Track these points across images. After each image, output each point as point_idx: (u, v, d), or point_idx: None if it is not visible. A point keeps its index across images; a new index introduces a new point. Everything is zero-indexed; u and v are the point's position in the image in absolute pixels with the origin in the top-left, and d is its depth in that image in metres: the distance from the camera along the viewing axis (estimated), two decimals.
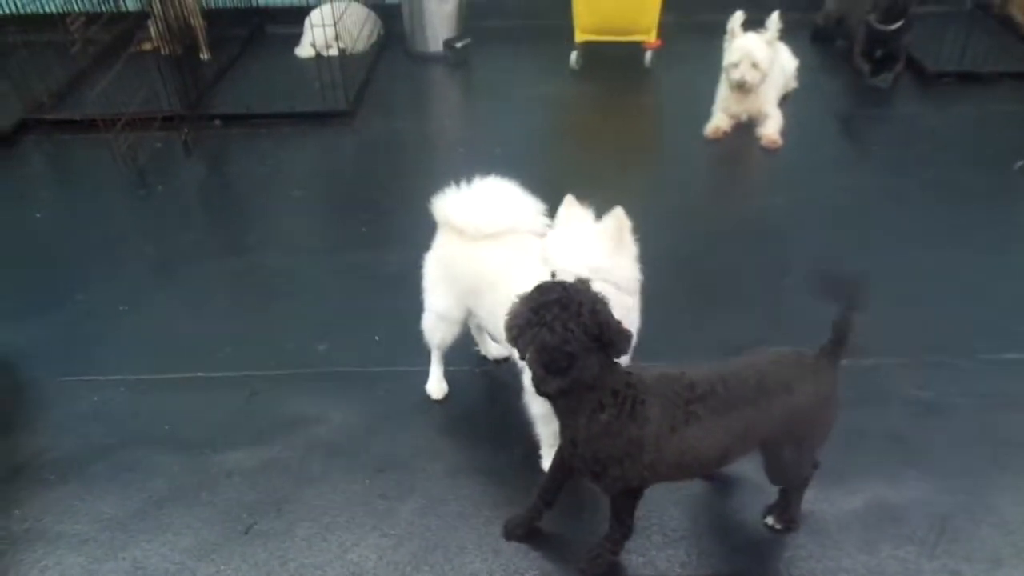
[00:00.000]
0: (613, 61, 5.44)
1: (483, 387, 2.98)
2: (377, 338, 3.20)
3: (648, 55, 5.32)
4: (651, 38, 5.25)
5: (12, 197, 4.50)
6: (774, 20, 4.21)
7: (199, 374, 3.06)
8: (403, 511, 2.47)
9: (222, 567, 2.33)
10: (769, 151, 4.35)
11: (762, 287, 3.38)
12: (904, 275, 3.37)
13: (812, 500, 2.36)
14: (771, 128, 4.37)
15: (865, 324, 3.00)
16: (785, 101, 4.68)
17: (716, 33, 4.46)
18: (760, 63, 4.18)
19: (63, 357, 3.21)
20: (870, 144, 4.53)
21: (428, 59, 5.67)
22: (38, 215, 4.29)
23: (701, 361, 2.03)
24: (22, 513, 2.52)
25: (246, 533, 2.42)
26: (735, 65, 4.22)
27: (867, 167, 4.28)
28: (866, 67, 4.92)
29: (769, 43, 4.23)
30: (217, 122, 4.96)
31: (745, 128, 4.50)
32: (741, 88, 4.26)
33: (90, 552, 2.39)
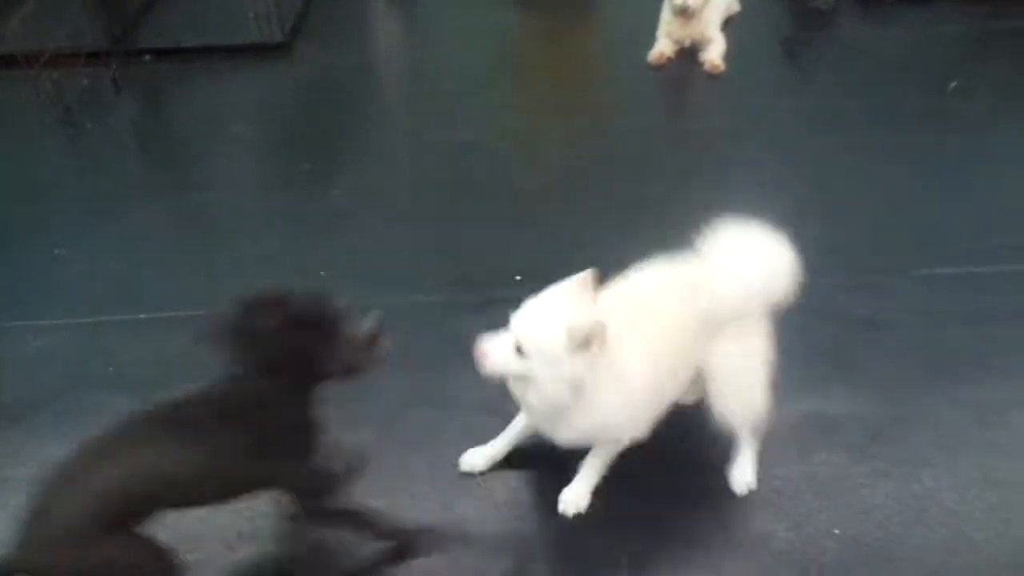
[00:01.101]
0: None
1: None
2: (323, 274, 3.18)
3: None
4: None
5: None
6: None
7: (142, 316, 3.02)
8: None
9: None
10: (712, 76, 4.35)
11: (702, 209, 3.41)
12: (840, 197, 3.45)
13: None
14: (714, 53, 4.36)
15: (803, 244, 3.14)
16: (728, 25, 4.66)
17: None
18: None
19: (3, 304, 3.16)
20: (812, 67, 4.57)
21: None
22: None
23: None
24: None
25: None
26: None
27: (808, 90, 4.33)
28: None
29: None
30: (147, 57, 4.76)
31: (689, 54, 4.49)
32: (684, 13, 4.23)
33: None
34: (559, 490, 2.29)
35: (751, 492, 2.29)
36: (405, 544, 2.19)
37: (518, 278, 3.05)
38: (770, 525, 2.23)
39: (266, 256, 3.28)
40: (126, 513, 1.78)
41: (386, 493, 2.30)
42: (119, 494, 1.75)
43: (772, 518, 2.24)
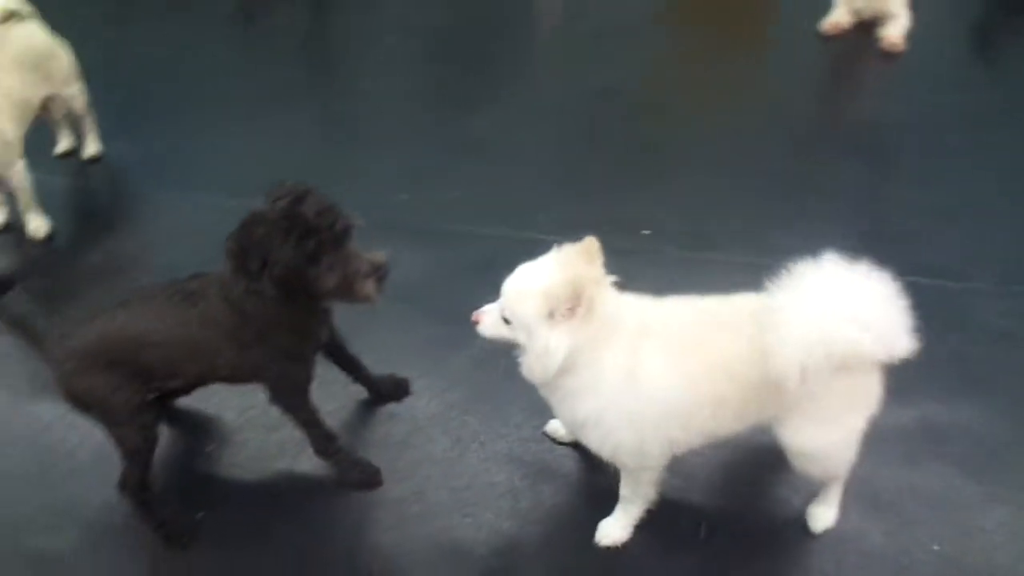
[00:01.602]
0: None
1: None
2: (456, 195, 3.24)
3: None
4: None
5: (120, 16, 4.63)
6: None
7: None
8: (455, 360, 2.57)
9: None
10: (888, 55, 4.06)
11: (851, 199, 3.26)
12: (1006, 201, 3.19)
13: None
14: (895, 30, 4.06)
15: (957, 246, 2.95)
16: (917, 2, 4.31)
17: None
18: None
19: (159, 172, 3.46)
20: (1003, 59, 4.18)
21: None
22: (141, 34, 4.43)
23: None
24: None
25: None
26: None
27: (993, 84, 3.97)
28: None
29: None
30: None
31: (867, 27, 4.19)
32: None
33: None
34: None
35: (849, 487, 2.20)
36: (340, 472, 2.24)
37: (646, 232, 3.02)
38: (864, 524, 2.14)
39: (404, 171, 3.38)
40: (123, 358, 1.95)
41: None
42: (117, 336, 1.95)
43: (868, 517, 2.14)
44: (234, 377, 2.13)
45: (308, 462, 2.28)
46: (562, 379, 1.77)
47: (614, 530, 2.10)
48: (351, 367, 2.38)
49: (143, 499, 2.10)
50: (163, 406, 2.27)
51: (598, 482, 2.19)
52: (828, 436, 1.88)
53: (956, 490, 2.21)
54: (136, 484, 2.07)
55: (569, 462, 2.30)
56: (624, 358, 1.75)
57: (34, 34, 3.08)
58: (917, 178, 3.33)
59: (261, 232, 1.77)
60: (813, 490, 2.12)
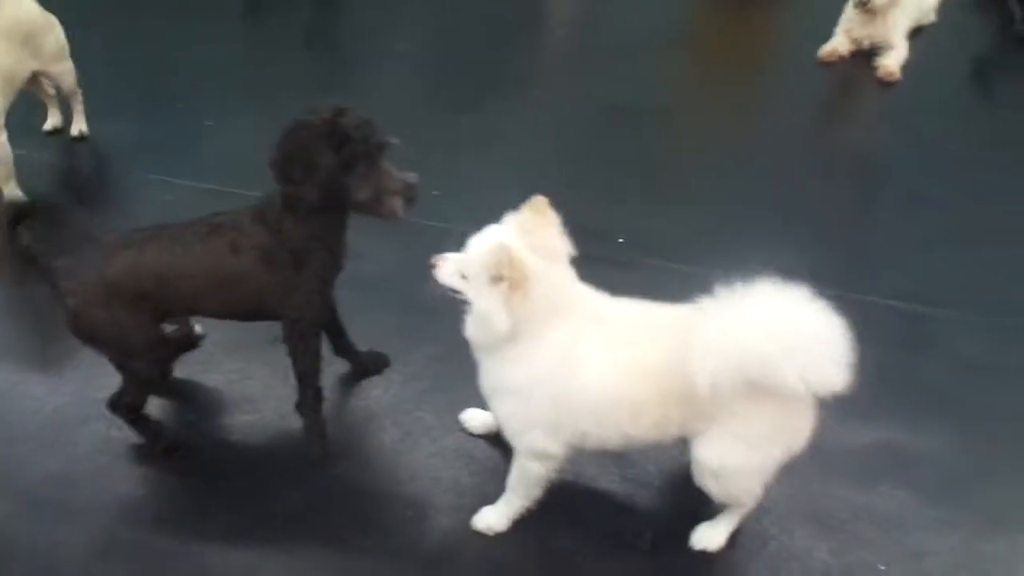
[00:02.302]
0: None
1: None
2: (436, 193, 3.23)
3: None
4: None
5: (130, 3, 4.69)
6: None
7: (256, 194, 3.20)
8: (417, 353, 2.55)
9: (244, 365, 2.52)
10: (884, 83, 4.06)
11: (841, 221, 3.25)
12: (998, 235, 3.16)
13: (821, 426, 2.32)
14: (892, 59, 4.06)
15: (936, 273, 2.92)
16: (918, 35, 4.33)
17: None
18: None
19: (151, 157, 3.45)
20: (999, 95, 4.16)
21: None
22: (149, 22, 4.49)
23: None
24: None
25: (271, 343, 2.56)
26: None
27: (988, 118, 3.95)
28: (1019, 12, 4.47)
29: None
30: None
31: (865, 56, 4.20)
32: (865, 7, 3.95)
33: None
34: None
35: (798, 504, 2.16)
36: (306, 433, 2.25)
37: (620, 240, 3.00)
38: (811, 542, 2.09)
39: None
40: (148, 290, 1.97)
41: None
42: (144, 269, 1.97)
43: (816, 535, 2.10)
44: (257, 310, 2.12)
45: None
46: (503, 346, 1.77)
47: (491, 518, 2.07)
48: (337, 334, 2.40)
49: (135, 417, 2.16)
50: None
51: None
52: (739, 459, 1.81)
53: (911, 513, 2.16)
54: (132, 406, 2.13)
55: None
56: (565, 340, 1.75)
57: (27, 8, 3.09)
58: (901, 205, 3.31)
59: (304, 138, 1.87)
60: (765, 506, 2.07)
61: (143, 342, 2.04)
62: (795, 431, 1.79)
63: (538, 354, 1.76)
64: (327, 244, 2.05)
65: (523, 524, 2.09)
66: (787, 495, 2.16)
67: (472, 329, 1.81)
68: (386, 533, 2.10)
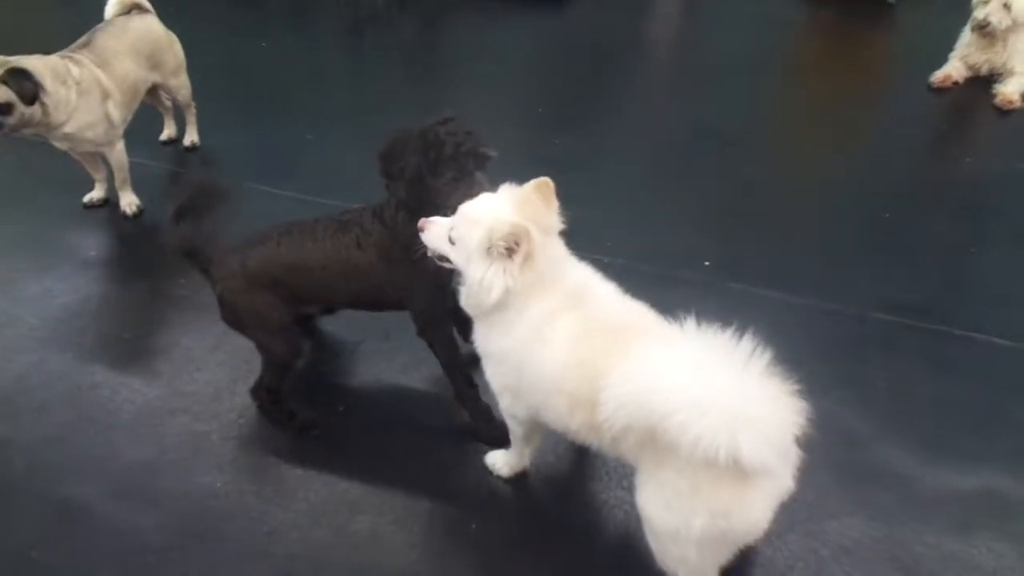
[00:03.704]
0: None
1: None
2: None
3: None
4: None
5: (246, 27, 4.95)
6: None
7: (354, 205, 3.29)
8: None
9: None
10: (1002, 112, 3.83)
11: (950, 253, 3.07)
12: None
13: (914, 467, 2.18)
14: (1012, 86, 3.83)
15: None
16: None
17: None
18: (1014, 4, 3.63)
19: (253, 166, 3.62)
20: None
21: None
22: (263, 44, 4.70)
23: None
24: (186, 281, 2.90)
25: (385, 339, 2.62)
26: (984, 1, 3.70)
27: None
28: None
29: None
30: None
31: (982, 83, 3.98)
32: (983, 31, 3.75)
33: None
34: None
35: (884, 548, 2.02)
36: (473, 420, 2.31)
37: (707, 263, 2.92)
38: None
39: None
40: (283, 279, 2.19)
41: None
42: (280, 261, 2.20)
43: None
44: (381, 300, 2.29)
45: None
46: (493, 313, 1.81)
47: (499, 461, 2.19)
48: (467, 324, 2.42)
49: (272, 400, 2.33)
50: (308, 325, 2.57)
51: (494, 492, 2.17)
52: (658, 512, 1.63)
53: (1006, 570, 1.99)
54: (269, 389, 2.31)
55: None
56: (544, 314, 1.76)
57: (152, 26, 3.34)
58: (1014, 239, 3.11)
59: (403, 138, 2.05)
60: (847, 547, 1.94)
61: (278, 324, 2.24)
62: (724, 504, 1.53)
63: (518, 324, 1.79)
64: None
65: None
66: (872, 537, 2.05)
67: (466, 299, 1.86)
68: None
